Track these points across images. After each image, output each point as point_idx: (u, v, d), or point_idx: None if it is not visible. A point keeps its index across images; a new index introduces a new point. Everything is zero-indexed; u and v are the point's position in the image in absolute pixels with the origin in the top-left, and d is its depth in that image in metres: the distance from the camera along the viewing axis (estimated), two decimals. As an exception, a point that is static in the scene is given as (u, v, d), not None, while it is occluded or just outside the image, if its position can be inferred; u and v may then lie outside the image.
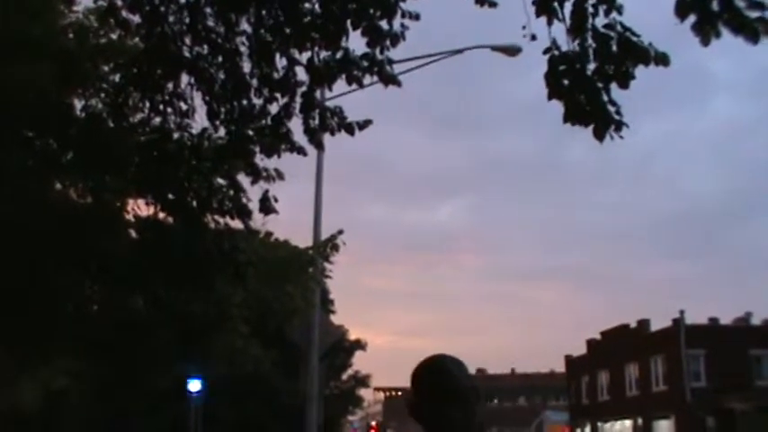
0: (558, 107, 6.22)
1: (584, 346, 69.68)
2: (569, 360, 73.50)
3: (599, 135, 6.10)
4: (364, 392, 60.78)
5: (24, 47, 11.59)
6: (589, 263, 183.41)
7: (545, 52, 6.11)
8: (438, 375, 3.04)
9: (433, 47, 19.08)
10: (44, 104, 11.92)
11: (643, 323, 59.49)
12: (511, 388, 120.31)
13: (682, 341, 53.10)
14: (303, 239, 18.18)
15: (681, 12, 5.38)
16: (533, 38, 6.28)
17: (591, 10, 6.00)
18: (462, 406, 2.99)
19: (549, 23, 6.04)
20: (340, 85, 7.91)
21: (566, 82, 6.12)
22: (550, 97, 6.15)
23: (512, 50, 19.19)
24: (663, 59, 5.96)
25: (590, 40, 6.08)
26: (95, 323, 14.44)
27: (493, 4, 7.03)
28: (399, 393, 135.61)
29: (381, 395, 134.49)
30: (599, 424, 65.32)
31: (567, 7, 6.04)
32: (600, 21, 6.01)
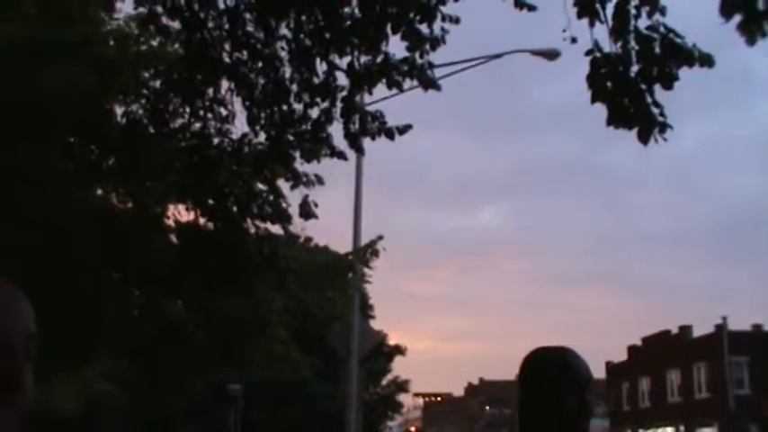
0: (600, 109, 6.16)
1: (625, 352, 69.14)
2: (609, 366, 72.95)
3: (643, 138, 6.03)
4: (404, 398, 60.69)
5: (65, 53, 11.70)
6: (631, 267, 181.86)
7: (587, 54, 6.05)
8: (579, 362, 2.98)
9: (472, 51, 19.03)
10: (85, 110, 12.02)
11: (685, 329, 58.93)
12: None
13: (725, 348, 52.51)
14: (343, 245, 18.23)
15: (726, 11, 5.30)
16: (574, 40, 6.22)
17: (633, 11, 5.93)
18: (579, 394, 2.91)
19: (592, 25, 5.98)
20: (380, 89, 7.90)
21: (609, 84, 6.06)
22: (594, 100, 6.08)
23: (551, 54, 19.13)
24: (707, 60, 5.88)
25: (633, 42, 6.02)
26: (136, 327, 14.53)
27: (532, 8, 6.98)
28: (439, 399, 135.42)
29: (421, 400, 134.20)
30: (640, 431, 64.71)
31: (609, 9, 5.98)
32: (643, 22, 5.95)
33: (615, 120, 6.10)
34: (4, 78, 11.35)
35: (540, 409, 2.93)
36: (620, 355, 70.12)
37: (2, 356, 1.50)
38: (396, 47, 7.44)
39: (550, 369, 2.95)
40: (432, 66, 7.71)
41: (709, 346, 54.13)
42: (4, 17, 11.56)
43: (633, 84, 6.05)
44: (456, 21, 7.38)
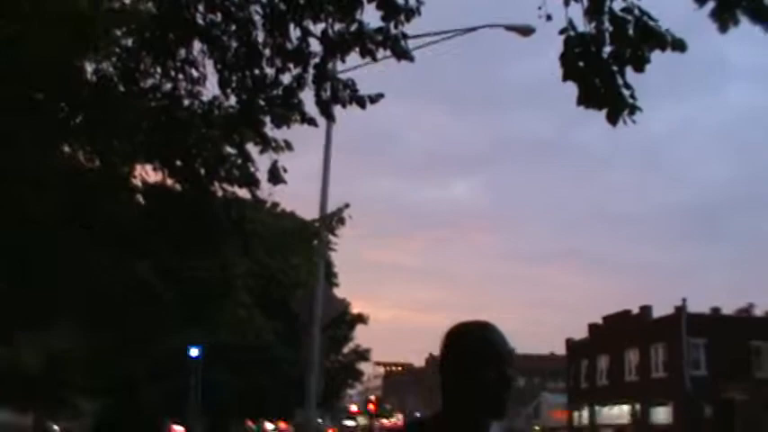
0: (573, 87, 6.18)
1: (586, 329, 69.75)
2: (570, 343, 73.63)
3: (612, 119, 6.07)
4: (364, 366, 61.04)
5: (37, 8, 11.55)
6: (596, 246, 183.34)
7: (561, 32, 6.06)
8: (497, 336, 3.06)
9: (448, 23, 18.98)
10: (55, 67, 11.89)
11: (645, 309, 59.53)
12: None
13: (683, 329, 53.14)
14: (310, 211, 18.15)
15: (699, -3, 5.34)
16: (549, 18, 6.23)
17: (609, -7, 5.95)
18: (499, 368, 2.98)
19: (567, 4, 5.99)
20: (353, 58, 7.88)
21: (581, 64, 6.08)
22: (565, 78, 6.10)
23: (525, 30, 19.10)
24: (680, 45, 5.91)
25: (607, 23, 6.03)
26: (100, 287, 14.48)
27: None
28: (399, 369, 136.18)
29: (381, 370, 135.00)
30: (597, 408, 65.46)
31: (585, -10, 5.99)
32: (618, 4, 5.97)
33: (586, 99, 6.13)
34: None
35: (462, 383, 3.00)
36: (582, 333, 70.78)
37: None
38: (370, 16, 7.42)
39: (471, 344, 3.03)
40: (406, 36, 7.69)
41: (669, 327, 54.76)
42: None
43: (605, 64, 6.07)
44: (432, -8, 7.37)
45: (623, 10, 5.96)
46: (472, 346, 3.01)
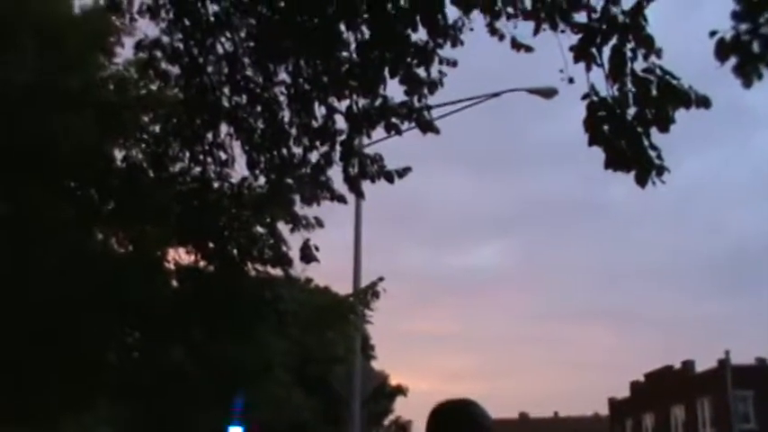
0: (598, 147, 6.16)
1: (628, 387, 68.72)
2: (613, 402, 72.46)
3: (641, 181, 6.01)
4: (405, 439, 60.22)
5: (64, 98, 11.75)
6: (632, 303, 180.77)
7: (584, 98, 6.05)
8: (467, 414, 3.21)
9: (470, 90, 19.07)
10: (84, 155, 12.04)
11: (688, 364, 58.58)
12: (554, 431, 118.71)
13: (728, 382, 52.19)
14: (343, 284, 18.13)
15: (721, 54, 5.31)
16: (571, 81, 6.24)
17: (629, 54, 5.94)
18: None
19: (588, 69, 5.99)
20: (378, 131, 7.92)
21: (606, 128, 6.05)
22: (591, 143, 6.07)
23: (548, 92, 19.15)
24: (704, 102, 5.87)
25: (629, 85, 6.02)
26: (137, 371, 14.46)
27: (529, 49, 7.02)
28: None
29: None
30: (645, 468, 64.21)
31: (605, 52, 5.99)
32: (639, 65, 5.95)
33: (613, 163, 6.08)
34: (8, 124, 11.40)
35: None
36: (623, 392, 69.70)
37: None
38: (394, 90, 7.48)
39: (459, 421, 3.20)
40: (429, 108, 7.74)
41: (713, 381, 53.75)
42: (8, 63, 11.63)
43: (630, 127, 6.04)
44: (453, 64, 7.43)
45: (645, 70, 5.94)
46: (461, 423, 3.18)
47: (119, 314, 13.51)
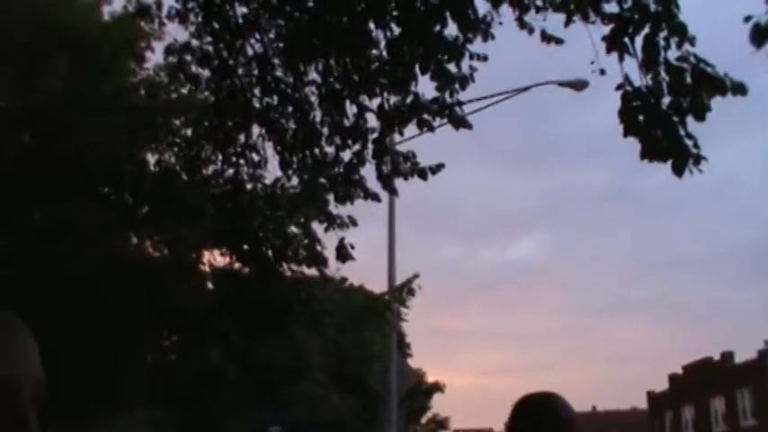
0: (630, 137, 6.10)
1: (667, 380, 68.26)
2: (651, 396, 72.02)
3: (678, 170, 5.93)
4: (443, 435, 60.24)
5: (95, 105, 11.84)
6: (669, 294, 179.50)
7: (617, 88, 5.99)
8: (548, 407, 3.18)
9: (500, 84, 19.02)
10: (117, 160, 12.13)
11: (726, 355, 58.06)
12: (592, 426, 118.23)
13: (768, 373, 51.72)
14: (378, 282, 18.13)
15: (757, 39, 5.24)
16: (602, 72, 6.20)
17: (663, 43, 5.87)
18: None
19: (621, 59, 5.92)
20: (410, 128, 7.90)
21: (640, 118, 5.99)
22: (626, 134, 6.00)
23: (579, 85, 19.05)
24: (740, 89, 5.79)
25: (663, 74, 5.95)
26: (174, 373, 14.55)
27: (560, 41, 6.98)
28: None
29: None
30: (686, 461, 63.74)
31: (638, 42, 5.93)
32: (672, 53, 5.88)
33: (649, 153, 6.01)
34: (43, 133, 11.51)
35: None
36: (662, 384, 69.23)
37: (13, 401, 1.44)
38: (425, 86, 7.46)
39: (540, 415, 3.18)
40: (461, 103, 7.71)
41: (754, 372, 53.26)
42: (40, 73, 11.74)
43: (665, 116, 5.97)
44: (484, 59, 7.39)
45: (679, 59, 5.87)
46: (543, 417, 3.15)
47: (156, 318, 13.60)
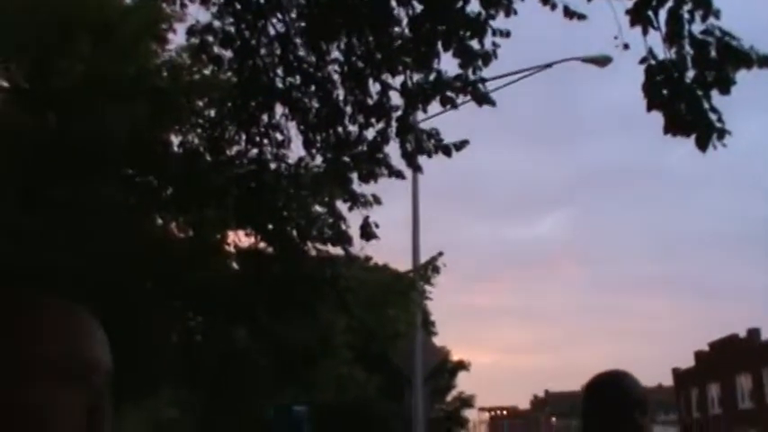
0: (656, 112, 6.07)
1: (692, 357, 68.09)
2: (677, 373, 71.92)
3: (702, 145, 5.91)
4: (469, 413, 60.47)
5: (118, 87, 11.89)
6: (694, 270, 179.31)
7: (641, 62, 5.97)
8: (627, 383, 3.22)
9: (523, 61, 18.94)
10: (141, 142, 12.19)
11: (753, 332, 57.86)
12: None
13: (795, 350, 51.50)
14: (402, 261, 18.19)
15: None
16: (626, 47, 6.18)
17: (687, 16, 5.84)
18: (646, 413, 3.16)
19: (645, 33, 5.90)
20: (433, 106, 7.90)
21: (664, 92, 5.97)
22: (650, 108, 5.99)
23: (602, 61, 18.97)
24: (766, 62, 5.76)
25: (687, 47, 5.92)
26: (199, 354, 14.65)
27: (582, 17, 6.94)
28: (504, 412, 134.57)
29: (486, 415, 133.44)
30: (711, 438, 63.62)
31: (662, 15, 5.90)
32: (697, 27, 5.85)
33: (672, 127, 6.00)
34: (66, 116, 11.57)
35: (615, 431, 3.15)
36: (688, 361, 69.11)
37: (91, 391, 1.50)
38: (448, 63, 7.45)
39: (605, 395, 3.22)
40: (484, 80, 7.70)
41: (780, 349, 53.11)
42: (62, 55, 11.79)
43: (689, 90, 5.95)
44: (507, 35, 7.36)
45: (703, 32, 5.84)
46: (611, 394, 3.18)
47: (181, 298, 13.69)
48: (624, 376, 3.24)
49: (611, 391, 3.19)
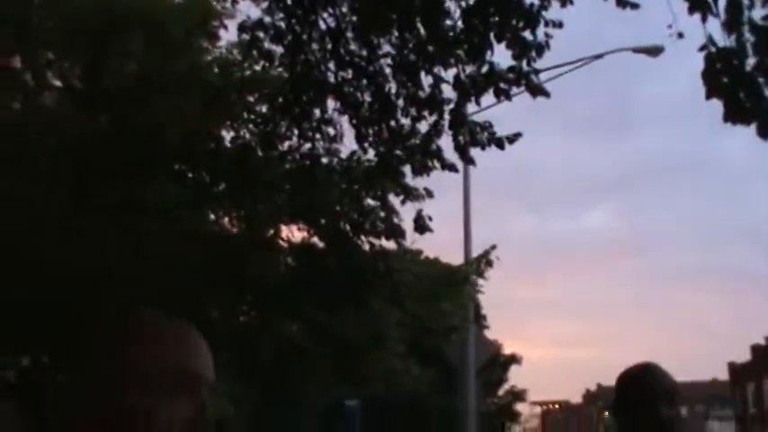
0: (708, 102, 5.97)
1: (749, 351, 67.17)
2: (733, 367, 71.02)
3: (763, 133, 5.80)
4: (521, 407, 60.35)
5: (170, 84, 11.96)
6: (749, 262, 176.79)
7: (701, 49, 5.87)
8: (653, 377, 3.21)
9: (573, 53, 18.80)
10: (193, 138, 12.26)
11: (810, 325, 56.95)
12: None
13: None
14: (452, 254, 18.14)
15: None
16: (680, 35, 6.10)
17: (747, 2, 5.74)
18: (673, 406, 3.14)
19: (704, 20, 5.80)
20: (486, 98, 7.85)
21: (725, 80, 5.86)
22: (709, 96, 5.88)
23: (654, 51, 18.80)
24: (828, 48, 5.64)
25: (747, 34, 5.81)
26: (253, 348, 14.72)
27: (635, 6, 6.86)
28: (556, 406, 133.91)
29: (538, 409, 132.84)
30: (768, 433, 62.73)
31: (721, 2, 5.80)
32: (757, 12, 5.74)
33: (732, 115, 5.89)
34: (118, 114, 11.68)
35: (632, 424, 3.20)
36: (744, 355, 68.18)
37: (195, 403, 1.54)
38: (501, 55, 7.40)
39: (635, 386, 3.23)
40: (537, 72, 7.64)
41: (837, 342, 52.21)
42: (113, 54, 11.89)
43: (750, 77, 5.84)
44: (560, 25, 7.29)
45: (764, 18, 5.73)
46: (635, 389, 3.19)
47: (235, 293, 13.76)
48: (652, 369, 3.23)
49: (639, 384, 3.19)
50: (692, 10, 5.77)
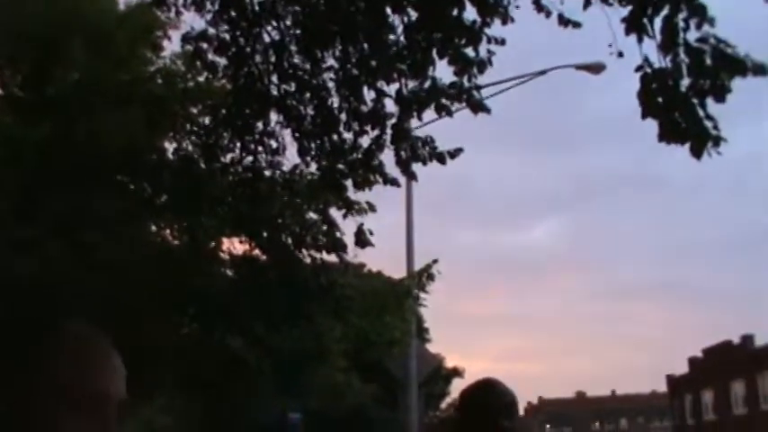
0: (650, 120, 6.06)
1: (687, 364, 68.09)
2: (671, 379, 71.88)
3: (697, 152, 5.91)
4: (463, 420, 60.33)
5: (113, 94, 11.87)
6: (689, 278, 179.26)
7: (637, 70, 5.97)
8: (492, 392, 3.44)
9: (516, 68, 18.92)
10: (136, 149, 12.17)
11: (747, 339, 57.88)
12: (612, 410, 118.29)
13: (789, 356, 51.49)
14: (395, 269, 18.14)
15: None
16: (620, 55, 6.18)
17: (682, 24, 5.84)
18: (512, 418, 3.38)
19: (640, 41, 5.90)
20: (429, 113, 7.89)
21: (659, 100, 5.96)
22: (644, 116, 5.98)
23: (596, 68, 18.99)
24: (761, 70, 5.74)
25: (682, 55, 5.92)
26: (195, 361, 14.61)
27: (577, 25, 6.94)
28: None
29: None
30: (706, 444, 63.59)
31: (657, 24, 5.90)
32: (692, 35, 5.84)
33: (667, 135, 5.99)
34: (61, 123, 11.54)
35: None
36: (682, 368, 69.11)
37: (105, 417, 1.52)
38: (443, 71, 7.44)
39: (473, 401, 3.47)
40: (479, 88, 7.69)
41: (773, 355, 53.10)
42: (57, 63, 11.76)
43: (684, 98, 5.94)
44: (501, 42, 7.35)
45: (698, 40, 5.83)
46: (481, 401, 3.42)
47: (176, 305, 13.65)
48: (492, 384, 3.46)
49: (479, 398, 3.41)
50: (628, 31, 5.86)
